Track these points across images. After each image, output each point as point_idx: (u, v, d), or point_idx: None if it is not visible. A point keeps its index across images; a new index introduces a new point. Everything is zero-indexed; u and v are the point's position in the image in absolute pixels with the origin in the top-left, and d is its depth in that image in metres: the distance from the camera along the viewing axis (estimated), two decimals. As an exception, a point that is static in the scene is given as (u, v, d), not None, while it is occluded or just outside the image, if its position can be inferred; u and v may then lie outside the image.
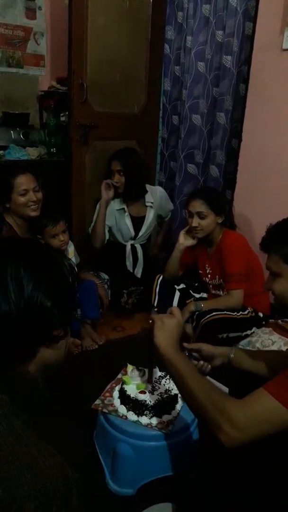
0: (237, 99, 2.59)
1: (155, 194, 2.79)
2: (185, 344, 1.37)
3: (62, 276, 0.73)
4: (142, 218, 2.77)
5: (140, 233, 2.77)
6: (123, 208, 2.69)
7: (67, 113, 2.69)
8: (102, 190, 2.56)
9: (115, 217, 2.69)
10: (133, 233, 2.75)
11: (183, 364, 1.06)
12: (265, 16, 2.21)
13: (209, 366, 1.38)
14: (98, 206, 2.61)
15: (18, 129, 2.93)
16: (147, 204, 2.76)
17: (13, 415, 0.62)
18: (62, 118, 3.01)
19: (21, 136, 2.92)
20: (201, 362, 1.38)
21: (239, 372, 1.33)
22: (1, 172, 2.11)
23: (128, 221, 2.71)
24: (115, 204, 2.69)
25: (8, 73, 3.07)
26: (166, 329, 1.12)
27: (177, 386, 1.08)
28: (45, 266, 0.72)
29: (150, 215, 2.78)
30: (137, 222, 2.75)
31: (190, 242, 2.23)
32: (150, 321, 1.18)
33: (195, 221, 2.12)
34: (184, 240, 2.24)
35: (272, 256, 1.13)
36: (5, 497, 0.52)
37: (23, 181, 2.01)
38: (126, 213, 2.70)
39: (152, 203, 2.77)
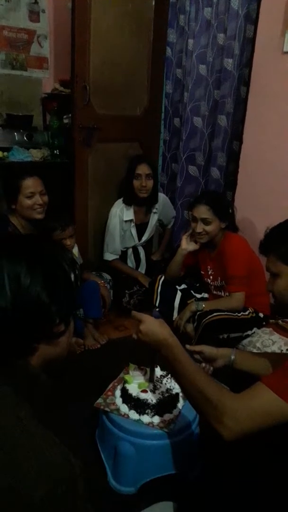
0: (238, 101, 2.61)
1: (159, 200, 2.80)
2: (187, 346, 1.38)
3: (62, 271, 0.72)
4: (145, 224, 2.78)
5: (143, 239, 2.79)
6: (132, 219, 2.69)
7: (70, 115, 2.71)
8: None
9: (122, 228, 2.68)
10: (137, 242, 2.77)
11: (183, 355, 1.07)
12: (266, 19, 2.23)
13: (211, 368, 1.39)
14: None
15: (21, 131, 2.95)
16: (153, 210, 2.77)
17: (17, 406, 0.63)
18: (65, 120, 3.03)
19: (25, 138, 2.94)
20: (203, 364, 1.40)
21: (240, 373, 1.34)
22: (9, 173, 2.12)
23: (134, 232, 2.72)
24: (125, 215, 2.66)
25: (12, 75, 3.09)
26: (152, 321, 1.14)
27: (176, 377, 1.08)
28: (44, 261, 0.70)
29: (153, 221, 2.79)
30: (140, 228, 2.76)
31: (192, 247, 2.23)
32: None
33: (199, 227, 2.11)
34: (187, 245, 2.23)
35: (270, 257, 1.15)
36: (13, 485, 0.54)
37: (31, 184, 2.02)
38: (133, 224, 2.70)
39: (156, 209, 2.78)
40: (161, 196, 2.85)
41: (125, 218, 2.66)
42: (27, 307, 0.66)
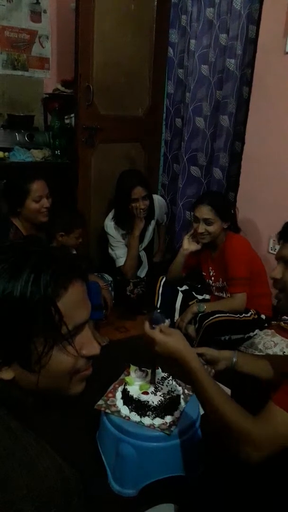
0: (241, 102, 2.60)
1: (155, 208, 2.74)
2: None
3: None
4: (143, 231, 2.71)
5: (143, 245, 2.76)
6: (128, 232, 2.65)
7: (72, 115, 2.71)
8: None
9: (121, 240, 2.64)
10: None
11: (205, 375, 1.06)
12: (269, 19, 2.22)
13: (213, 370, 1.38)
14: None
15: (22, 131, 2.94)
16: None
17: (8, 416, 0.59)
18: (67, 121, 3.03)
19: (26, 138, 2.94)
20: (205, 366, 1.39)
21: (242, 375, 1.34)
22: (15, 176, 2.12)
23: None
24: (122, 230, 2.62)
25: (13, 75, 3.09)
26: (175, 333, 1.12)
27: (199, 397, 1.07)
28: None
29: (150, 228, 2.74)
30: (139, 237, 2.72)
31: (194, 247, 2.21)
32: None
33: (201, 227, 2.10)
34: (188, 246, 2.22)
35: None
36: (4, 499, 0.51)
37: (39, 188, 2.03)
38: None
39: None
40: (156, 199, 2.79)
41: (122, 232, 2.63)
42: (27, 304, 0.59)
